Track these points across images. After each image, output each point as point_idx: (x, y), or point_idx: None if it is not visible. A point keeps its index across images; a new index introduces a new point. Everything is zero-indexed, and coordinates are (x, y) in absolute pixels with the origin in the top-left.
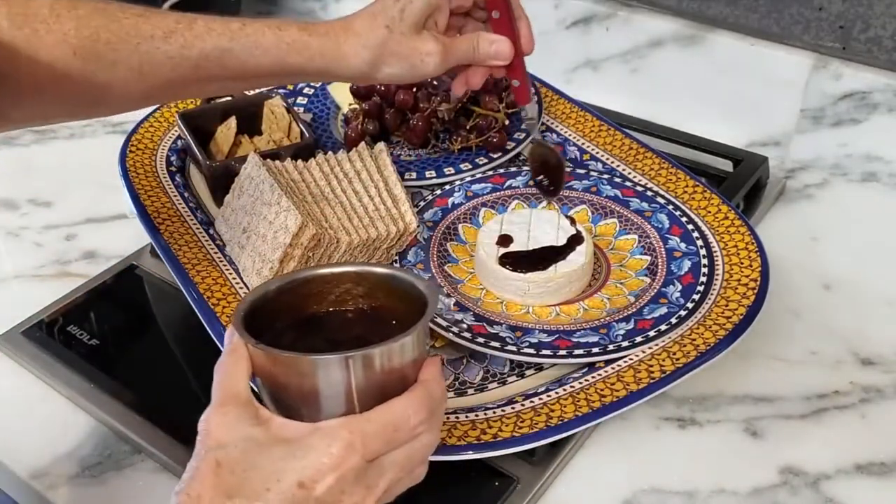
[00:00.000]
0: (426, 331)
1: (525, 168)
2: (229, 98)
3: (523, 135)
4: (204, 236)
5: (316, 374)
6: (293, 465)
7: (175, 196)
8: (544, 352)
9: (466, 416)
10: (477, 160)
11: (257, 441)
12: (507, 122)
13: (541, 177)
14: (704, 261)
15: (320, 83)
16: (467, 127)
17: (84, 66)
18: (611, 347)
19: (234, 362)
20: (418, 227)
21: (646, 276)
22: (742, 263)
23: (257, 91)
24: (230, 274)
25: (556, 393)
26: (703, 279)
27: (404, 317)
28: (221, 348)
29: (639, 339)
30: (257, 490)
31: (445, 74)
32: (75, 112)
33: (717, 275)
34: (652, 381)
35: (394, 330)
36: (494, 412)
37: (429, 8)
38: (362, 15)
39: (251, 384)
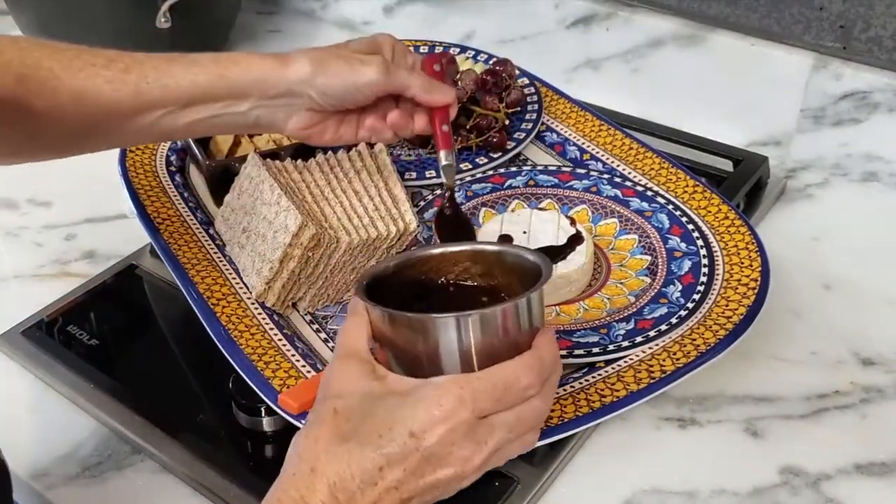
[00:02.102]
0: (541, 301)
1: (525, 168)
2: None
3: (523, 135)
4: (204, 236)
5: (431, 334)
6: (404, 415)
7: (175, 196)
8: None
9: None
10: (477, 160)
11: (373, 393)
12: (507, 122)
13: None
14: (705, 261)
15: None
16: (467, 127)
17: (25, 92)
18: (611, 347)
19: (356, 323)
20: (418, 227)
21: (646, 276)
22: (742, 263)
23: None
24: (230, 274)
25: (557, 393)
26: (704, 279)
27: (520, 292)
28: (221, 348)
29: (639, 339)
30: (370, 436)
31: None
32: (17, 149)
33: (718, 275)
34: (652, 381)
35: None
36: None
37: (373, 44)
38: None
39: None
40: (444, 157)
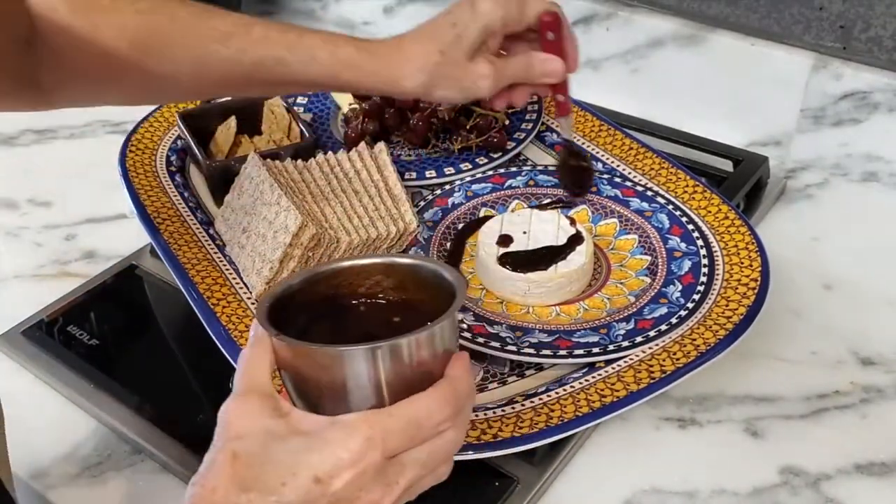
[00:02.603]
0: (454, 324)
1: (525, 168)
2: (229, 98)
3: (523, 135)
4: (204, 236)
5: (338, 367)
6: (310, 459)
7: (175, 196)
8: (544, 352)
9: None
10: (477, 160)
11: (276, 434)
12: (507, 122)
13: (568, 180)
14: (705, 261)
15: None
16: (467, 127)
17: (140, 58)
18: (611, 347)
19: (257, 354)
20: (418, 227)
21: (646, 276)
22: (742, 263)
23: None
24: (230, 274)
25: (556, 393)
26: (704, 279)
27: (434, 309)
28: (221, 348)
29: (639, 339)
30: (273, 484)
31: None
32: (129, 99)
33: (718, 275)
34: (652, 381)
35: (422, 323)
36: (494, 412)
37: (484, 35)
38: (416, 37)
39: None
40: (564, 123)
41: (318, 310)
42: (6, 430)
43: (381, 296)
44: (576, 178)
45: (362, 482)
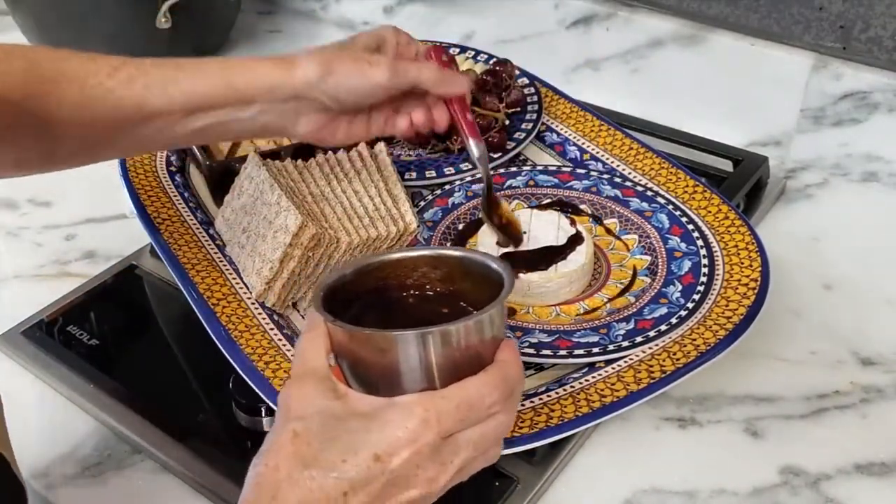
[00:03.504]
0: (503, 312)
1: (525, 168)
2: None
3: (523, 135)
4: (204, 236)
5: (392, 351)
6: (369, 438)
7: (175, 196)
8: (544, 352)
9: None
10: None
11: (334, 414)
12: (507, 122)
13: (501, 237)
14: (705, 261)
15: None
16: None
17: (32, 102)
18: (611, 347)
19: (313, 339)
20: (418, 227)
21: (646, 276)
22: (742, 263)
23: None
24: (230, 274)
25: (556, 393)
26: (704, 279)
27: (480, 299)
28: (221, 348)
29: (639, 339)
30: (334, 461)
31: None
32: (22, 160)
33: (718, 275)
34: (652, 381)
35: (469, 311)
36: None
37: (378, 39)
38: (309, 47)
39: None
40: (475, 147)
41: (367, 299)
42: (4, 413)
43: (428, 287)
44: (503, 232)
45: (419, 460)
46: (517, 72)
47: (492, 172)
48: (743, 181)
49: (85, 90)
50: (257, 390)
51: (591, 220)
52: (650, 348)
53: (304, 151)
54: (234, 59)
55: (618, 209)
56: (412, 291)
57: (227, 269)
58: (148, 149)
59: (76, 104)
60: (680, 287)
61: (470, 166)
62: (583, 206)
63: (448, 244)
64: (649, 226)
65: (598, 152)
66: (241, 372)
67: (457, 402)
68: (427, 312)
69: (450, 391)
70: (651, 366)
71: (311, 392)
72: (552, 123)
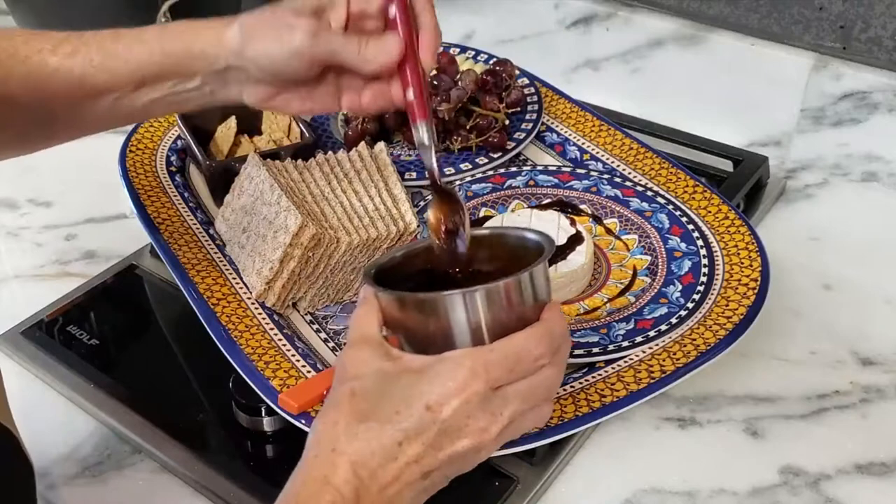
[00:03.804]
0: (545, 275)
1: (525, 168)
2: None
3: (523, 135)
4: (204, 236)
5: (440, 313)
6: (420, 390)
7: (175, 196)
8: None
9: None
10: (477, 160)
11: (388, 373)
12: (507, 122)
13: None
14: (704, 261)
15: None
16: (467, 127)
17: None
18: (611, 347)
19: (365, 311)
20: (418, 227)
21: (646, 276)
22: (742, 263)
23: None
24: (230, 274)
25: (557, 393)
26: (704, 279)
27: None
28: (221, 348)
29: (639, 339)
30: (388, 413)
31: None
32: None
33: (718, 275)
34: (652, 381)
35: None
36: None
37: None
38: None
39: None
40: (419, 132)
41: (417, 280)
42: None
43: (475, 266)
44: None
45: (469, 410)
46: (517, 72)
47: (491, 172)
48: (743, 181)
49: (30, 66)
50: (257, 390)
51: (591, 220)
52: (650, 348)
53: (304, 151)
54: (175, 25)
55: (618, 209)
56: (461, 270)
57: (227, 269)
58: (106, 125)
59: (23, 81)
60: (680, 287)
61: (470, 166)
62: (583, 206)
63: None
64: (649, 226)
65: (598, 152)
66: (241, 372)
67: (504, 353)
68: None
69: (497, 345)
70: (651, 366)
71: (366, 355)
72: (552, 123)
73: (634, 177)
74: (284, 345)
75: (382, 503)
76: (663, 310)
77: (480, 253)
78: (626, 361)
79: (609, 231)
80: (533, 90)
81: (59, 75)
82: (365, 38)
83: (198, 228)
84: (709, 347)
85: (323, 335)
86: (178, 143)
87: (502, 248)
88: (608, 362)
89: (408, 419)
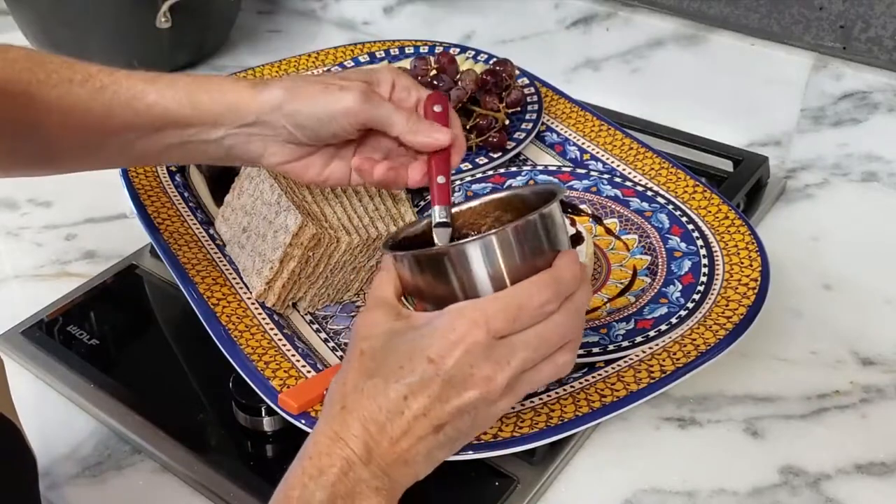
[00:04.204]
0: (556, 222)
1: (525, 168)
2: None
3: (523, 135)
4: (204, 236)
5: (451, 266)
6: (422, 343)
7: (175, 196)
8: None
9: None
10: (477, 160)
11: (396, 331)
12: (507, 122)
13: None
14: (705, 261)
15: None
16: (467, 127)
17: (5, 106)
18: (611, 347)
19: (382, 277)
20: None
21: (646, 276)
22: (742, 263)
23: None
24: (230, 274)
25: (556, 393)
26: (704, 279)
27: None
28: (221, 348)
29: (639, 339)
30: (393, 368)
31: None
32: (11, 161)
33: (718, 275)
34: (652, 381)
35: None
36: None
37: (369, 75)
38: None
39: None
40: (437, 214)
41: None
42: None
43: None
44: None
45: (471, 360)
46: (517, 72)
47: (491, 172)
48: (743, 181)
49: (59, 94)
50: (257, 390)
51: (591, 220)
52: (650, 348)
53: None
54: (206, 78)
55: (618, 209)
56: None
57: (227, 269)
58: (117, 163)
59: (49, 108)
60: (680, 287)
61: (470, 166)
62: (583, 206)
63: None
64: (649, 226)
65: (598, 152)
66: (241, 372)
67: (504, 302)
68: None
69: (499, 294)
70: (651, 366)
71: (377, 317)
72: (552, 123)
73: (634, 177)
74: (284, 345)
75: (395, 456)
76: (663, 310)
77: (507, 216)
78: (626, 361)
79: (609, 231)
80: (533, 90)
81: (83, 109)
82: (414, 114)
83: (198, 228)
84: (709, 347)
85: (323, 335)
86: None
87: (518, 208)
88: (608, 362)
89: (411, 373)
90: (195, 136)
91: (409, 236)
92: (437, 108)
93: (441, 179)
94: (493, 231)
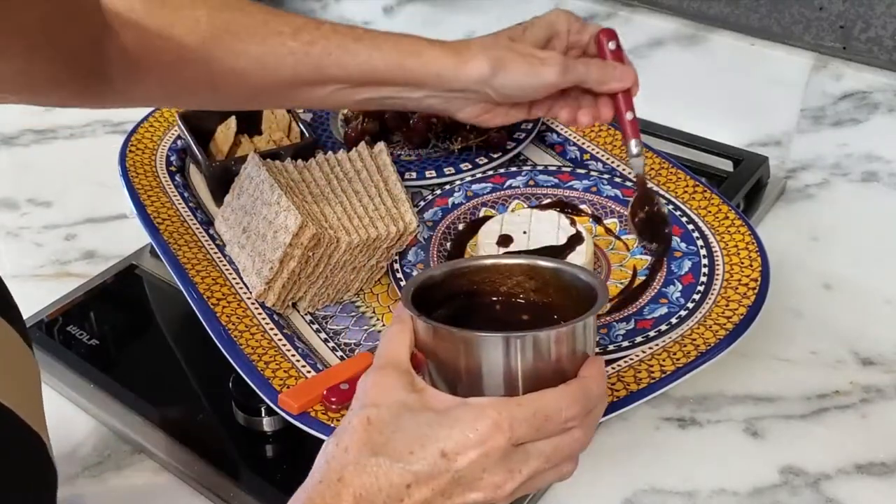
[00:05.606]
0: (592, 328)
1: (525, 168)
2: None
3: (523, 135)
4: (204, 236)
5: (474, 352)
6: (438, 434)
7: (175, 196)
8: None
9: None
10: (477, 160)
11: (409, 406)
12: None
13: (646, 235)
14: (705, 261)
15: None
16: (467, 127)
17: (210, 53)
18: (611, 347)
19: (398, 332)
20: (418, 227)
21: (646, 276)
22: (742, 263)
23: None
24: (230, 274)
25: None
26: (704, 279)
27: (574, 313)
28: (221, 348)
29: (639, 339)
30: (401, 451)
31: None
32: (197, 99)
33: (718, 275)
34: (652, 381)
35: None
36: None
37: (549, 31)
38: (482, 36)
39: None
40: (633, 147)
41: (458, 302)
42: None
43: (521, 296)
44: (647, 229)
45: (486, 464)
46: None
47: (491, 172)
48: (743, 181)
49: (266, 48)
50: (257, 390)
51: (591, 220)
52: (650, 348)
53: (304, 151)
54: (406, 40)
55: (618, 209)
56: (504, 299)
57: (227, 269)
58: (312, 106)
59: (256, 59)
60: (680, 287)
61: (470, 166)
62: (583, 206)
63: (448, 244)
64: None
65: (598, 152)
66: (241, 372)
67: (533, 410)
68: (515, 321)
69: (527, 398)
70: (651, 366)
71: (390, 382)
72: (552, 123)
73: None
74: (284, 345)
75: None
76: (663, 310)
77: (532, 283)
78: (626, 361)
79: (609, 231)
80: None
81: (293, 62)
82: (600, 65)
83: (198, 228)
84: (709, 347)
85: (323, 335)
86: (178, 143)
87: (555, 284)
88: (608, 362)
89: (420, 461)
90: (397, 93)
91: (428, 285)
92: (611, 46)
93: (629, 115)
94: (529, 332)
